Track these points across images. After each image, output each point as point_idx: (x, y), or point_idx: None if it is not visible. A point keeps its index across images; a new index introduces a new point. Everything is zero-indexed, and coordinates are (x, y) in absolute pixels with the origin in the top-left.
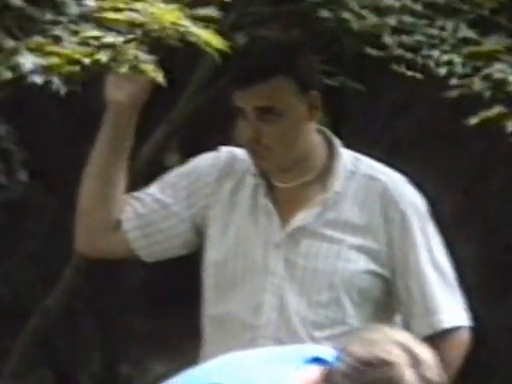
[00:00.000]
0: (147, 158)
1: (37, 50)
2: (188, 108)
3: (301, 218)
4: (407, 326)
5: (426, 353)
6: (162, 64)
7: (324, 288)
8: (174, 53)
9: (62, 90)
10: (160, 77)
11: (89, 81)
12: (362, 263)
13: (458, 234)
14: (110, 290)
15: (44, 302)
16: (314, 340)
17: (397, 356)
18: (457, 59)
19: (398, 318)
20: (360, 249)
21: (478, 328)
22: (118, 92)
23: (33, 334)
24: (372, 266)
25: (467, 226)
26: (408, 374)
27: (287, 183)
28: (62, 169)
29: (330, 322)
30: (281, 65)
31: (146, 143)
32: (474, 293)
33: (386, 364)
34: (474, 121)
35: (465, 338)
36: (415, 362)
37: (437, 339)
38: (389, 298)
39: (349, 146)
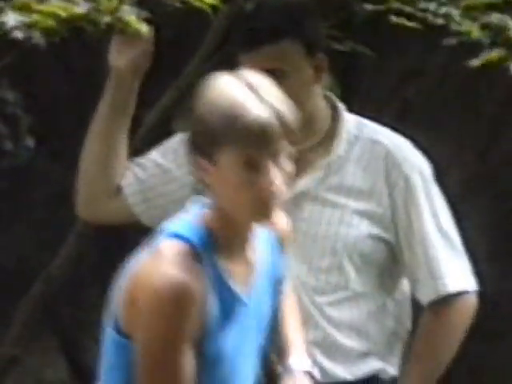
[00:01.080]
0: (153, 124)
1: (22, 9)
2: (195, 75)
3: (303, 182)
4: (413, 291)
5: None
6: (174, 30)
7: (326, 253)
8: (184, 21)
9: (42, 44)
10: (144, 28)
11: (94, 47)
12: (364, 228)
13: (470, 199)
14: (114, 256)
15: (48, 268)
16: (317, 305)
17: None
18: (454, 11)
19: (406, 283)
20: (363, 213)
21: (490, 293)
22: (119, 57)
23: (36, 300)
24: (375, 231)
25: (479, 191)
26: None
27: (292, 147)
28: (69, 135)
29: (332, 288)
30: (288, 27)
31: (152, 110)
32: (485, 259)
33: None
34: (475, 63)
35: (471, 302)
36: (253, 91)
37: (442, 304)
38: (393, 263)
39: (358, 111)
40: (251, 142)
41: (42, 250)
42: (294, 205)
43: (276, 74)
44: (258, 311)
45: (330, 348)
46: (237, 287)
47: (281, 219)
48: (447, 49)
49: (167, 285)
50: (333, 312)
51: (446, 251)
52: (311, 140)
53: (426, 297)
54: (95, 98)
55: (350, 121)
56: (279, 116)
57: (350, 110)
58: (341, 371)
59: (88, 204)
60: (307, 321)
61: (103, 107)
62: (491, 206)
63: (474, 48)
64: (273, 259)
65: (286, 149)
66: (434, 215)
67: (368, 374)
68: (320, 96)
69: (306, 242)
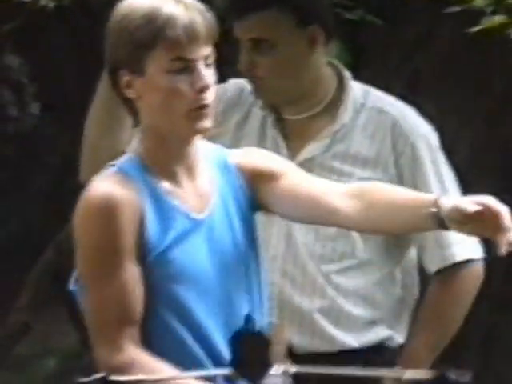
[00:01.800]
0: None
1: None
2: None
3: (309, 150)
4: (420, 259)
5: None
6: None
7: None
8: None
9: (51, 7)
10: None
11: (99, 13)
12: None
13: (480, 169)
14: None
15: (57, 236)
16: (323, 273)
17: None
18: None
19: (413, 251)
20: (370, 181)
21: (502, 263)
22: None
23: (46, 269)
24: None
25: (487, 161)
26: None
27: (295, 115)
28: (74, 101)
29: (339, 255)
30: None
31: None
32: None
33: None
34: (475, 29)
35: (478, 270)
36: None
37: (449, 272)
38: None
39: (368, 81)
40: (176, 41)
41: (48, 216)
42: None
43: (263, 44)
44: (218, 236)
45: (337, 316)
46: (184, 205)
47: (250, 154)
48: (455, 17)
49: (94, 195)
50: (340, 280)
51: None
52: (315, 108)
53: (433, 265)
54: (101, 64)
55: (356, 89)
56: (199, 10)
57: (361, 79)
58: (348, 339)
59: (92, 171)
60: (314, 289)
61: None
62: (501, 174)
63: (481, 16)
64: (234, 191)
65: (209, 48)
66: (441, 184)
67: (375, 342)
68: (322, 65)
69: None
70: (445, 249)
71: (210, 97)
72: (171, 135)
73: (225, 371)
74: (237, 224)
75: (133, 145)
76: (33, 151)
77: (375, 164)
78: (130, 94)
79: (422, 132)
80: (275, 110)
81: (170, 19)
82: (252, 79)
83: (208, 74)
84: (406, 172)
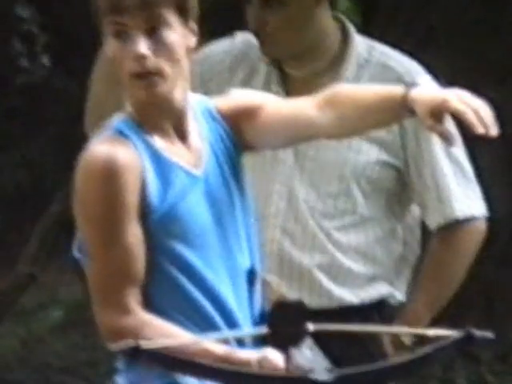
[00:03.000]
0: None
1: None
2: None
3: None
4: (422, 216)
5: None
6: None
7: (334, 179)
8: None
9: None
10: None
11: None
12: (373, 154)
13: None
14: None
15: (65, 186)
16: (324, 230)
17: None
18: None
19: (416, 209)
20: (372, 139)
21: (504, 219)
22: None
23: (53, 220)
24: (384, 157)
25: (502, 120)
26: None
27: (299, 71)
28: (84, 53)
29: (340, 212)
30: None
31: None
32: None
33: None
34: None
35: (479, 228)
36: None
37: (450, 229)
38: (402, 189)
39: (379, 37)
40: (111, 7)
41: (58, 167)
42: None
43: (275, 3)
44: (214, 190)
45: (336, 272)
46: (180, 161)
47: (229, 97)
48: None
49: (94, 157)
50: (340, 236)
51: (456, 177)
52: (318, 63)
53: (434, 222)
54: None
55: (361, 44)
56: None
57: (371, 36)
58: (348, 295)
59: (96, 123)
60: (314, 245)
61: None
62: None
63: None
64: (222, 140)
65: (156, 17)
66: (448, 157)
67: (375, 299)
68: (328, 18)
69: (315, 167)
70: (446, 205)
71: (149, 66)
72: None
73: (258, 331)
74: (228, 173)
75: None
76: (43, 102)
77: None
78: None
79: None
80: (280, 66)
81: None
82: (260, 36)
83: (146, 43)
84: (410, 129)
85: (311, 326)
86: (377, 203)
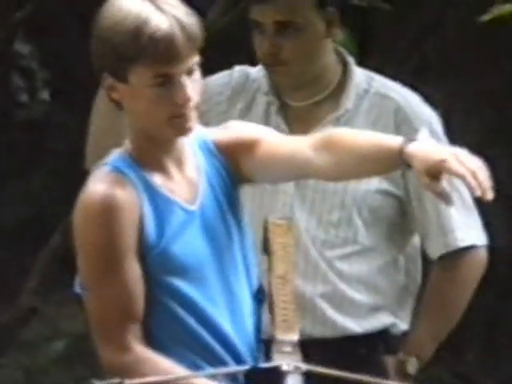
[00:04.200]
0: None
1: None
2: (216, 25)
3: None
4: (423, 245)
5: None
6: None
7: (335, 207)
8: None
9: None
10: None
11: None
12: (374, 183)
13: (486, 158)
14: None
15: (65, 220)
16: (325, 259)
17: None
18: None
19: (417, 239)
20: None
21: (505, 249)
22: None
23: (54, 252)
24: (385, 186)
25: (497, 145)
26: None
27: (300, 102)
28: (84, 87)
29: (341, 241)
30: None
31: None
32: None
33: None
34: (485, 18)
35: (481, 257)
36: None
37: (453, 258)
38: (402, 218)
39: (376, 67)
40: (157, 56)
41: (59, 202)
42: None
43: (289, 27)
44: (211, 225)
45: (339, 302)
46: (177, 197)
47: (226, 129)
48: (465, 3)
49: (93, 197)
50: (342, 266)
51: (457, 206)
52: (319, 95)
53: (435, 251)
54: None
55: (360, 75)
56: (182, 26)
57: (368, 66)
58: (351, 325)
59: (97, 158)
60: (316, 275)
61: None
62: (510, 162)
63: (491, 2)
64: (219, 175)
65: (193, 58)
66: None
67: (378, 328)
68: (331, 51)
69: (315, 196)
70: (447, 235)
71: (191, 105)
72: (156, 135)
73: (238, 369)
74: (225, 206)
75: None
76: (43, 137)
77: None
78: (114, 96)
79: (426, 117)
80: (279, 96)
81: (154, 37)
82: (273, 63)
83: (190, 85)
84: None
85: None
86: (378, 232)
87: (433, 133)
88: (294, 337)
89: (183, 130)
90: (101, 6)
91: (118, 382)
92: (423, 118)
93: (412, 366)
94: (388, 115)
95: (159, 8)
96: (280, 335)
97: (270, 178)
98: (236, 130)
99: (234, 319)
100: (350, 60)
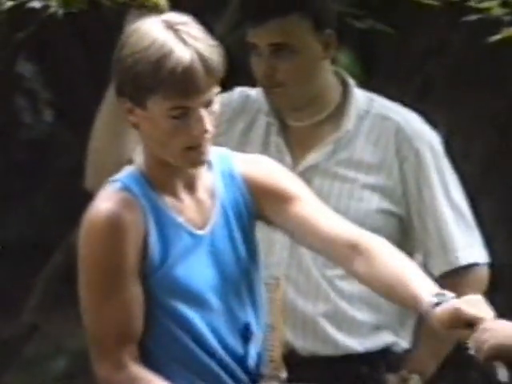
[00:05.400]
0: None
1: None
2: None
3: (313, 157)
4: (426, 265)
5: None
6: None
7: None
8: None
9: (60, 12)
10: (162, 1)
11: (112, 20)
12: (375, 202)
13: (489, 181)
14: None
15: (67, 238)
16: (326, 279)
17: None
18: None
19: (419, 257)
20: (373, 188)
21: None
22: None
23: (56, 270)
24: (386, 205)
25: (499, 172)
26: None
27: (300, 122)
28: (86, 108)
29: None
30: (296, 1)
31: None
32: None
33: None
34: (494, 38)
35: (482, 274)
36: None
37: (454, 276)
38: (405, 238)
39: (379, 90)
40: (176, 90)
41: (61, 221)
42: (304, 179)
43: (284, 49)
44: (219, 251)
45: (341, 321)
46: (186, 221)
47: (260, 165)
48: (468, 26)
49: (99, 215)
50: (343, 285)
51: (458, 224)
52: (319, 115)
53: (437, 269)
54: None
55: (360, 96)
56: (203, 60)
57: (371, 88)
58: (352, 343)
59: (97, 176)
60: (317, 294)
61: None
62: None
63: (495, 25)
64: (236, 201)
65: (213, 91)
66: (445, 189)
67: (380, 347)
68: (330, 72)
69: None
70: (449, 253)
71: (207, 137)
72: (169, 162)
73: None
74: (238, 235)
75: (137, 159)
76: (45, 157)
77: (379, 169)
78: (132, 119)
79: (426, 138)
80: (279, 117)
81: (175, 72)
82: (270, 85)
83: (207, 117)
84: (411, 178)
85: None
86: None
87: (434, 153)
88: (282, 374)
89: (196, 163)
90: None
91: None
92: (424, 138)
93: (414, 382)
94: (389, 135)
95: (182, 40)
96: (268, 373)
97: (290, 234)
98: (273, 174)
99: (236, 343)
100: (350, 81)
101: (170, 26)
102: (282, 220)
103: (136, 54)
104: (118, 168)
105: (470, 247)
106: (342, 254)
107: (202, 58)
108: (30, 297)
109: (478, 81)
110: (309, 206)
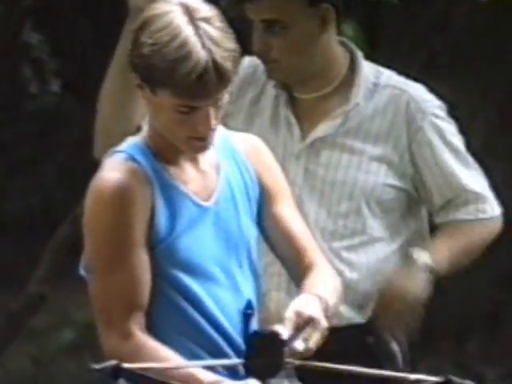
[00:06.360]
0: None
1: None
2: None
3: (321, 129)
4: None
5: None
6: None
7: (344, 199)
8: None
9: None
10: None
11: None
12: (382, 175)
13: (493, 148)
14: None
15: (75, 209)
16: (333, 251)
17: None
18: None
19: (424, 226)
20: (381, 159)
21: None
22: None
23: (63, 241)
24: (392, 178)
25: (502, 142)
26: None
27: (307, 95)
28: (93, 78)
29: (349, 232)
30: None
31: None
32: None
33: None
34: None
35: (496, 226)
36: (188, 10)
37: (469, 224)
38: (410, 213)
39: (384, 63)
40: (188, 92)
41: (68, 191)
42: (312, 151)
43: (276, 25)
44: (224, 223)
45: (345, 292)
46: (190, 192)
47: (245, 140)
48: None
49: (106, 185)
50: (349, 256)
51: (471, 175)
52: (327, 88)
53: (441, 199)
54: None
55: (368, 69)
56: (218, 67)
57: (376, 61)
58: (355, 314)
59: (106, 145)
60: None
61: (121, 47)
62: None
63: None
64: (241, 176)
65: (222, 92)
66: (454, 151)
67: None
68: (334, 44)
69: (325, 187)
70: (452, 180)
71: (212, 129)
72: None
73: (235, 362)
74: (242, 207)
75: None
76: (53, 128)
77: (386, 139)
78: (141, 94)
79: (435, 103)
80: (287, 89)
81: (188, 77)
82: (264, 60)
83: (214, 113)
84: (418, 145)
85: (287, 360)
86: (386, 223)
87: (440, 120)
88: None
89: (200, 150)
90: None
91: (114, 364)
92: (434, 103)
93: (422, 257)
94: (398, 106)
95: (201, 41)
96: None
97: (261, 229)
98: (268, 165)
99: (240, 320)
100: (358, 53)
101: (192, 19)
102: (265, 217)
103: (154, 46)
104: (126, 136)
105: (474, 180)
106: (299, 269)
107: (216, 65)
108: (37, 268)
109: (480, 53)
110: (287, 208)
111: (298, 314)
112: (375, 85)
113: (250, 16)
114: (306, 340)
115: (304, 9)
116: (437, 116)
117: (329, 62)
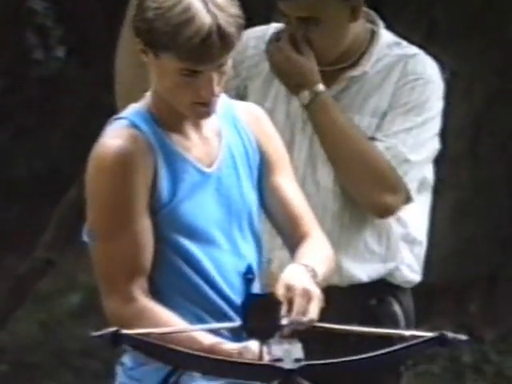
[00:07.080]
0: None
1: None
2: None
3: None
4: None
5: None
6: None
7: None
8: None
9: None
10: None
11: None
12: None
13: (493, 114)
14: None
15: (81, 175)
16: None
17: None
18: None
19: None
20: (377, 126)
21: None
22: None
23: (70, 206)
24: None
25: (502, 105)
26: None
27: (329, 67)
28: (98, 44)
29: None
30: None
31: None
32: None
33: None
34: None
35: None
36: None
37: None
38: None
39: (386, 28)
40: (191, 56)
41: (74, 156)
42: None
43: (311, 21)
44: (226, 189)
45: (349, 247)
46: (193, 158)
47: (246, 109)
48: None
49: (108, 152)
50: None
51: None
52: (345, 63)
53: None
54: (126, 7)
55: (386, 39)
56: (221, 31)
57: None
58: (358, 272)
59: (127, 104)
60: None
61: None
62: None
63: None
64: (242, 143)
65: (225, 57)
66: (408, 129)
67: (383, 275)
68: (360, 24)
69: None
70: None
71: (215, 94)
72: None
73: (234, 325)
74: (243, 174)
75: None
76: (58, 94)
77: (380, 96)
78: (145, 58)
79: (430, 75)
80: None
81: (192, 41)
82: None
83: (217, 78)
84: (396, 98)
85: (284, 321)
86: None
87: (436, 85)
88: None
89: (203, 116)
90: None
91: (114, 330)
92: (427, 76)
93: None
94: (395, 72)
95: (206, 6)
96: None
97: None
98: (269, 134)
99: (240, 284)
100: (380, 24)
101: None
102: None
103: (158, 10)
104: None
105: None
106: (293, 239)
107: (220, 30)
108: (45, 233)
109: (481, 21)
110: (285, 177)
111: (288, 288)
112: (386, 54)
113: (285, 11)
114: (302, 312)
115: (337, 4)
116: (422, 86)
117: (353, 41)
